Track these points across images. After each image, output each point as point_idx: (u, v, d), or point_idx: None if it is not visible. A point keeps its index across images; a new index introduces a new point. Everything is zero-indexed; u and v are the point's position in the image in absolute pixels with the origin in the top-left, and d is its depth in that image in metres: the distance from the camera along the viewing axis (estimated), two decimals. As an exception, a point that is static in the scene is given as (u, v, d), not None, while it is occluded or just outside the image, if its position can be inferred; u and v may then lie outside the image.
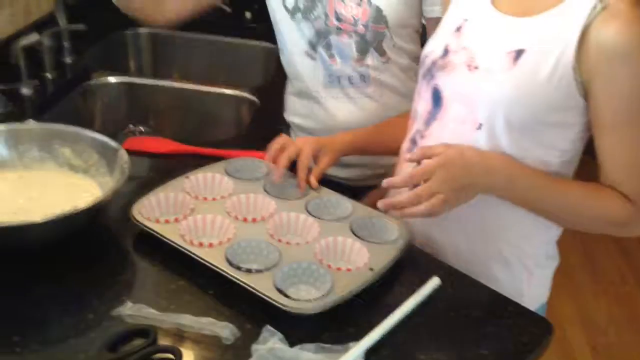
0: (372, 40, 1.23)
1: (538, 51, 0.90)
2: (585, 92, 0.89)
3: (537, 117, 0.91)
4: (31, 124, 1.11)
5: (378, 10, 1.20)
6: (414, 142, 1.05)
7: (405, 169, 1.03)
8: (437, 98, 1.01)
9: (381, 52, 1.24)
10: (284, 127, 1.42)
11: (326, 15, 1.22)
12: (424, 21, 1.28)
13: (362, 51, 1.24)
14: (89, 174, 1.05)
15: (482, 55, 0.95)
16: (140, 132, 1.60)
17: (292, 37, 1.28)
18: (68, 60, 1.56)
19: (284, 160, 1.05)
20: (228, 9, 1.99)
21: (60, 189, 1.03)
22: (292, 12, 1.25)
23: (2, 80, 1.31)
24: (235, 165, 1.11)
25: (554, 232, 1.05)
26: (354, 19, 1.21)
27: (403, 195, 0.91)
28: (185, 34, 1.90)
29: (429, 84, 1.02)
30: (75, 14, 1.58)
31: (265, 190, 1.04)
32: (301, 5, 1.23)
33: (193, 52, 1.93)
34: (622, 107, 0.89)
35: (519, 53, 0.91)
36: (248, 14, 1.97)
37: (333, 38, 1.23)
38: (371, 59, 1.24)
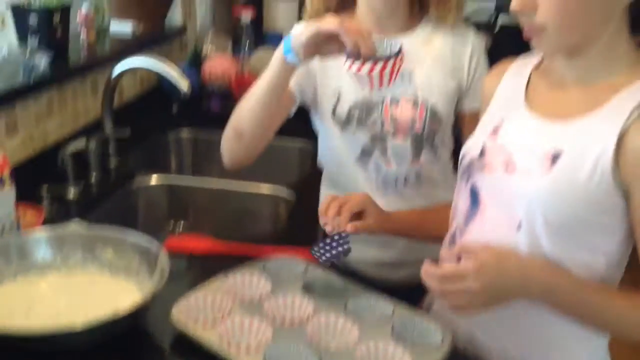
0: (428, 138, 1.26)
1: (576, 154, 0.89)
2: (626, 195, 0.88)
3: (578, 219, 0.89)
4: (75, 228, 1.14)
5: (434, 109, 1.24)
6: (453, 238, 1.05)
7: (444, 264, 1.00)
8: (474, 197, 1.00)
9: (435, 150, 1.28)
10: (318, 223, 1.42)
11: (382, 122, 1.24)
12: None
13: (418, 150, 1.26)
14: (130, 277, 1.06)
15: (519, 157, 0.95)
16: (181, 229, 1.62)
17: (341, 147, 1.28)
18: (113, 163, 1.62)
19: (332, 209, 1.06)
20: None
21: (101, 293, 1.04)
22: (345, 123, 1.25)
23: (49, 183, 1.36)
24: (273, 264, 1.11)
25: (604, 338, 1.00)
26: (411, 121, 1.24)
27: (433, 285, 0.90)
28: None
29: (467, 183, 1.02)
30: (120, 117, 1.66)
31: (304, 290, 1.03)
32: (355, 114, 1.24)
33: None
34: None
35: (556, 156, 0.91)
36: (285, 115, 2.03)
37: (389, 142, 1.25)
38: (424, 156, 1.27)
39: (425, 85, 1.24)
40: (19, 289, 1.04)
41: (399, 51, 1.07)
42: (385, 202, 1.26)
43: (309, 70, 1.26)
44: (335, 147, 1.29)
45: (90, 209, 1.42)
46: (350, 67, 1.06)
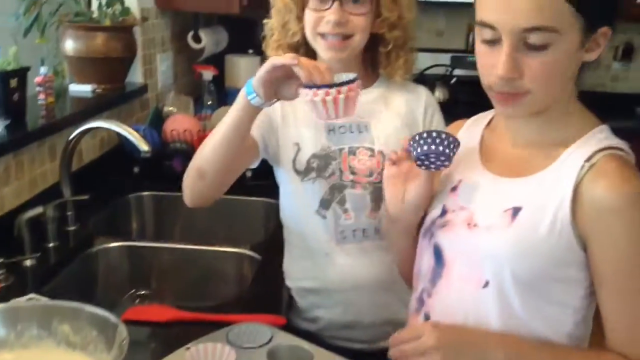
0: None
1: (535, 209, 0.91)
2: (584, 247, 0.90)
3: (543, 273, 0.91)
4: (29, 302, 1.11)
5: None
6: (421, 301, 1.04)
7: (417, 323, 1.03)
8: (438, 256, 1.01)
9: None
10: (284, 285, 1.41)
11: (341, 171, 1.26)
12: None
13: (377, 201, 1.26)
14: (87, 352, 1.02)
15: (480, 214, 0.97)
16: (142, 296, 1.58)
17: (301, 198, 1.29)
18: (71, 228, 1.59)
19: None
20: (228, 169, 2.07)
21: None
22: (304, 174, 1.27)
23: (4, 254, 1.32)
24: (238, 332, 1.09)
25: None
26: (368, 170, 1.26)
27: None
28: (187, 194, 1.96)
29: (430, 242, 1.03)
30: (80, 181, 1.63)
31: (269, 358, 1.01)
32: (314, 165, 1.26)
33: (194, 211, 1.97)
34: (620, 261, 0.89)
35: (516, 210, 0.93)
36: (249, 173, 2.03)
37: (348, 192, 1.26)
38: (384, 210, 1.25)
39: (381, 135, 1.28)
40: None
41: (355, 79, 1.07)
42: (346, 255, 1.28)
43: (271, 121, 1.28)
44: (295, 197, 1.30)
45: (48, 278, 1.38)
46: (305, 96, 1.05)
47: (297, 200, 1.31)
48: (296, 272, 1.37)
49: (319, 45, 1.24)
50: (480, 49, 0.92)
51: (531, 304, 0.93)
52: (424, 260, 1.04)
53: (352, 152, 1.27)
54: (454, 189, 1.02)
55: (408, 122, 1.30)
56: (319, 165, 1.26)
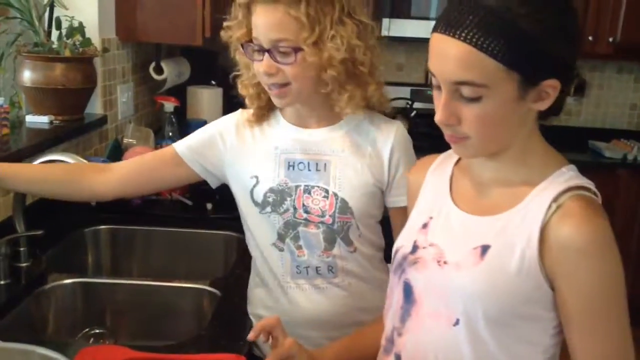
0: (339, 230, 1.26)
1: (503, 246, 0.93)
2: (552, 286, 0.91)
3: (512, 310, 0.92)
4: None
5: (344, 202, 1.25)
6: (391, 341, 1.04)
7: None
8: (408, 293, 1.01)
9: (348, 242, 1.27)
10: (247, 320, 1.39)
11: (295, 208, 1.26)
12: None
13: (330, 241, 1.27)
14: None
15: (450, 251, 0.98)
16: (96, 335, 1.54)
17: (260, 229, 1.31)
18: (24, 265, 1.54)
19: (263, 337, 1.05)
20: (189, 202, 2.04)
21: None
22: (262, 206, 1.28)
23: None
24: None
25: None
26: (321, 210, 1.25)
27: None
28: (145, 228, 1.93)
29: (400, 279, 1.03)
30: (33, 215, 1.59)
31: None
32: (270, 200, 1.27)
33: (153, 245, 1.94)
34: (585, 301, 0.90)
35: (484, 248, 0.94)
36: (209, 205, 2.01)
37: (301, 229, 1.26)
38: (338, 249, 1.27)
39: (338, 177, 1.26)
40: None
41: None
42: (299, 290, 1.29)
43: (212, 147, 1.33)
44: (255, 227, 1.32)
45: (-2, 317, 1.33)
46: None
47: (256, 229, 1.32)
48: (253, 298, 1.39)
49: (269, 94, 1.25)
50: (433, 92, 0.95)
51: (502, 341, 0.93)
52: (394, 298, 1.04)
53: (308, 190, 1.26)
54: (424, 225, 1.03)
55: (372, 162, 1.28)
56: (274, 200, 1.27)
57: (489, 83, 0.87)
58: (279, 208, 1.27)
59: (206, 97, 2.74)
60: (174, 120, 2.52)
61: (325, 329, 1.29)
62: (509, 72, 0.86)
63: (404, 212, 1.15)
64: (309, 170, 1.27)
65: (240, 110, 1.36)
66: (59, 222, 1.78)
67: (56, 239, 1.72)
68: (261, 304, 1.36)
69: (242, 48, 1.23)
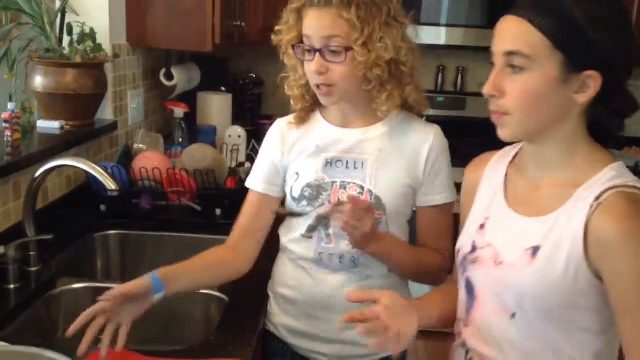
0: None
1: (552, 246, 1.00)
2: (600, 278, 0.97)
3: (565, 304, 0.99)
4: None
5: (378, 199, 1.31)
6: (459, 330, 1.16)
7: (457, 349, 1.16)
8: (470, 290, 1.12)
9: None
10: (256, 325, 1.38)
11: (330, 203, 1.31)
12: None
13: None
14: None
15: (505, 252, 1.06)
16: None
17: (293, 222, 1.39)
18: (34, 269, 1.54)
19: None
20: (198, 208, 2.05)
21: None
22: (298, 200, 1.35)
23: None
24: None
25: None
26: None
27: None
28: (154, 233, 1.93)
29: (463, 276, 1.14)
30: (44, 219, 1.59)
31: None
32: (307, 194, 1.34)
33: (162, 250, 1.94)
34: (627, 293, 0.95)
35: (535, 249, 1.01)
36: (218, 211, 2.01)
37: (333, 222, 1.29)
38: None
39: (374, 175, 1.32)
40: None
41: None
42: (320, 275, 1.37)
43: (274, 167, 1.40)
44: (289, 221, 1.41)
45: (7, 321, 1.33)
46: None
47: (288, 222, 1.41)
48: (276, 276, 1.47)
49: (317, 93, 1.31)
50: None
51: (556, 330, 1.02)
52: (461, 293, 1.16)
53: (344, 186, 1.32)
54: (482, 226, 1.13)
55: (410, 164, 1.33)
56: (310, 195, 1.34)
57: (535, 56, 0.96)
58: (314, 202, 1.33)
59: (216, 103, 2.75)
60: (183, 126, 2.53)
61: (338, 314, 1.29)
62: (554, 50, 0.95)
63: (431, 212, 1.35)
64: (347, 168, 1.33)
65: (277, 120, 1.44)
66: (68, 227, 1.79)
67: (66, 244, 1.73)
68: (284, 284, 1.43)
69: (293, 49, 1.30)
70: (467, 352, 1.14)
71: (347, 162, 1.34)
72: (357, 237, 1.22)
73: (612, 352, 1.06)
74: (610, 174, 1.00)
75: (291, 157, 1.39)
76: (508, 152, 1.17)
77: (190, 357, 1.18)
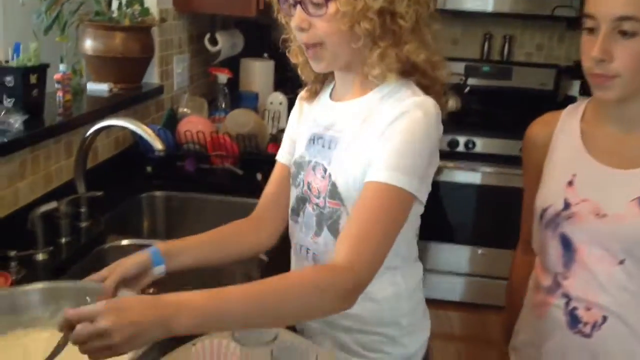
0: (328, 217, 1.14)
1: None
2: None
3: None
4: (66, 282, 1.17)
5: (334, 185, 1.12)
6: (556, 284, 1.20)
7: (554, 300, 1.21)
8: (567, 244, 1.16)
9: (335, 233, 1.13)
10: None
11: (303, 183, 1.19)
12: None
13: (319, 226, 1.16)
14: None
15: (606, 205, 1.11)
16: (151, 295, 1.59)
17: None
18: (84, 225, 1.61)
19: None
20: (240, 172, 2.09)
21: None
22: (291, 177, 1.24)
23: (17, 247, 1.34)
24: (242, 330, 1.10)
25: None
26: (318, 190, 1.15)
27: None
28: (198, 195, 1.98)
29: (555, 233, 1.17)
30: (94, 178, 1.65)
31: (273, 357, 1.02)
32: (292, 172, 1.23)
33: (205, 212, 1.99)
34: None
35: None
36: (259, 176, 2.05)
37: (307, 207, 1.19)
38: (323, 237, 1.15)
39: (338, 157, 1.13)
40: (7, 344, 1.03)
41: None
42: (305, 263, 1.21)
43: (292, 139, 1.28)
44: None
45: (59, 273, 1.40)
46: None
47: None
48: (292, 264, 1.33)
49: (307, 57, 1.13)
50: (583, 37, 1.08)
51: None
52: (551, 250, 1.19)
53: (314, 167, 1.16)
54: (570, 183, 1.15)
55: (374, 144, 1.07)
56: (294, 173, 1.22)
57: None
58: (295, 181, 1.21)
59: (258, 69, 2.77)
60: (226, 91, 2.57)
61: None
62: None
63: (364, 191, 1.03)
64: (322, 146, 1.16)
65: (300, 93, 1.30)
66: (116, 186, 1.85)
67: (114, 203, 1.79)
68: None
69: (279, 4, 1.13)
70: (568, 302, 1.18)
71: (325, 140, 1.16)
72: (110, 340, 0.82)
73: None
74: None
75: (299, 130, 1.26)
76: (574, 110, 1.20)
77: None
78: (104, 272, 1.12)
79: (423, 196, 1.07)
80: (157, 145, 1.47)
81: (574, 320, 1.18)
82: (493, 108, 3.30)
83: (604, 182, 1.13)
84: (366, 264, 0.98)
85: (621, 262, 1.11)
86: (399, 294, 1.18)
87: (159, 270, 1.16)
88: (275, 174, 1.32)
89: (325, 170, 1.14)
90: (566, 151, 1.18)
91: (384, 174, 1.02)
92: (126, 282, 1.11)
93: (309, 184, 1.17)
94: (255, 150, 2.07)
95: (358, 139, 1.10)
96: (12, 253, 1.32)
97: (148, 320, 0.83)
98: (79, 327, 0.82)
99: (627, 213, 1.09)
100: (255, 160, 2.07)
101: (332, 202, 1.13)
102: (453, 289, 3.17)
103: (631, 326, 1.14)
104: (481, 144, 3.00)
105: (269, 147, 2.12)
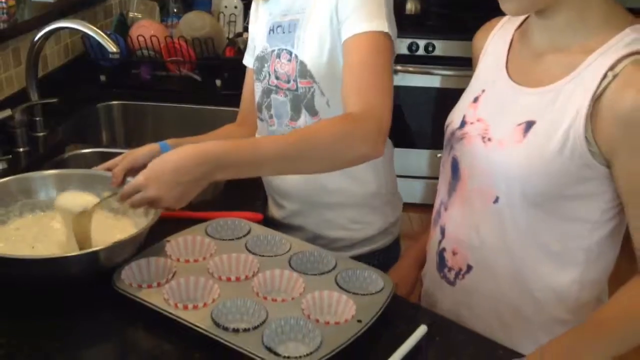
0: (302, 96, 1.17)
1: (548, 122, 0.88)
2: (607, 162, 0.86)
3: (554, 191, 0.89)
4: (74, 170, 1.22)
5: (302, 64, 1.15)
6: (438, 213, 1.07)
7: (434, 234, 1.08)
8: (455, 169, 1.02)
9: (312, 112, 1.17)
10: (261, 184, 1.42)
11: (269, 74, 1.21)
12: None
13: (296, 110, 1.19)
14: (127, 216, 1.11)
15: (495, 127, 0.95)
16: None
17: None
18: (41, 134, 1.56)
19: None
20: (198, 78, 2.04)
21: (101, 230, 1.05)
22: (255, 74, 1.26)
23: (-26, 157, 1.30)
24: (216, 226, 1.11)
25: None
26: (287, 75, 1.18)
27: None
28: (156, 104, 1.93)
29: (449, 155, 1.03)
30: (46, 88, 1.59)
31: (248, 249, 1.04)
32: (255, 67, 1.25)
33: (164, 121, 1.95)
34: None
35: (529, 125, 0.90)
36: (218, 82, 2.00)
37: (273, 97, 1.21)
38: (303, 120, 1.18)
39: (301, 37, 1.15)
40: (25, 224, 1.08)
41: None
42: None
43: (252, 40, 1.29)
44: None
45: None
46: None
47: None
48: None
49: None
50: None
51: (543, 220, 0.92)
52: (444, 172, 1.05)
53: (278, 54, 1.18)
54: (475, 99, 1.01)
55: (336, 12, 1.09)
56: (257, 68, 1.24)
57: None
58: (260, 75, 1.23)
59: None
60: (179, -5, 2.45)
61: (292, 201, 1.29)
62: None
63: (347, 48, 1.05)
64: (283, 32, 1.18)
65: None
66: (70, 96, 1.79)
67: (70, 112, 1.74)
68: None
69: None
70: (441, 240, 1.05)
71: (284, 26, 1.18)
72: (161, 203, 0.93)
73: (610, 250, 0.95)
74: (628, 38, 0.84)
75: (257, 28, 1.26)
76: (516, 18, 1.02)
77: (202, 210, 1.22)
78: (113, 161, 1.14)
79: (395, 36, 1.09)
80: (111, 47, 1.41)
81: (441, 262, 1.06)
82: (454, 11, 3.25)
83: (505, 102, 0.95)
84: (381, 108, 0.99)
85: (496, 201, 0.94)
86: (376, 166, 1.23)
87: None
88: (247, 79, 1.34)
89: (290, 53, 1.16)
90: (490, 63, 1.02)
91: (360, 25, 1.04)
92: (135, 171, 1.10)
93: (275, 73, 1.19)
94: (212, 55, 2.01)
95: (314, 14, 1.12)
96: (-31, 163, 1.28)
97: (189, 180, 0.91)
98: (129, 202, 0.94)
99: (508, 139, 0.91)
100: (213, 66, 2.01)
101: (304, 81, 1.15)
102: (413, 192, 3.25)
103: (498, 282, 0.98)
104: (441, 47, 2.98)
105: (227, 50, 2.06)
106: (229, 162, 0.92)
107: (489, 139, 0.95)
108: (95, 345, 0.87)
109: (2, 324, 0.90)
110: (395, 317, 0.93)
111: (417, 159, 3.25)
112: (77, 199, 1.04)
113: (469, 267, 1.01)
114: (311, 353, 0.81)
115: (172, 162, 0.91)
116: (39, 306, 0.93)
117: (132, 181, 0.94)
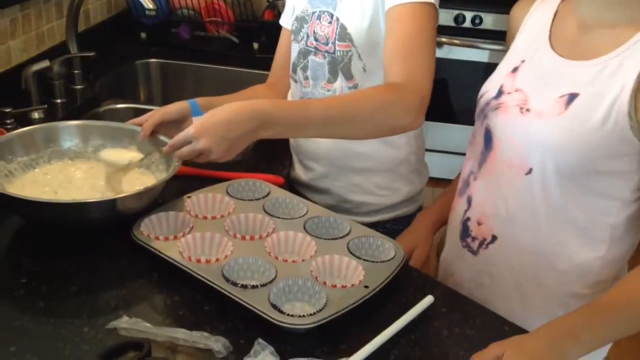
0: (339, 60, 1.18)
1: (591, 95, 0.87)
2: None
3: (590, 165, 0.89)
4: (104, 122, 1.25)
5: (342, 27, 1.16)
6: (466, 183, 1.06)
7: (459, 204, 1.07)
8: (488, 139, 1.01)
9: (348, 76, 1.19)
10: (287, 148, 1.43)
11: (307, 36, 1.22)
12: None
13: (333, 73, 1.20)
14: (150, 170, 1.14)
15: (534, 98, 0.94)
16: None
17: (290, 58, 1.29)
18: (78, 87, 1.60)
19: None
20: (236, 40, 2.05)
21: (128, 182, 1.10)
22: (293, 35, 1.27)
23: (13, 105, 1.35)
24: (237, 186, 1.13)
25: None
26: (325, 37, 1.19)
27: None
28: (194, 64, 1.95)
29: (482, 124, 1.02)
30: (86, 42, 1.63)
31: (265, 210, 1.06)
32: (294, 28, 1.26)
33: (201, 81, 1.97)
34: None
35: (571, 97, 0.89)
36: (255, 45, 2.01)
37: (311, 59, 1.22)
38: (339, 83, 1.20)
39: (344, 0, 1.16)
40: (52, 170, 1.12)
41: None
42: None
43: (291, 2, 1.29)
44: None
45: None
46: None
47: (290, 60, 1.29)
48: None
49: None
50: None
51: (574, 195, 0.92)
52: (475, 143, 1.04)
53: (319, 16, 1.19)
54: (515, 69, 1.00)
55: None
56: (296, 28, 1.25)
57: None
58: (298, 36, 1.24)
59: None
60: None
61: (320, 164, 1.30)
62: None
63: (391, 17, 1.05)
64: None
65: None
66: (110, 51, 1.82)
67: (108, 67, 1.78)
68: None
69: None
70: (467, 209, 1.05)
71: None
72: (210, 155, 0.95)
73: (630, 233, 0.95)
74: None
75: None
76: None
77: (226, 170, 1.24)
78: (144, 116, 1.16)
79: (437, 4, 1.08)
80: (148, 3, 1.43)
81: (465, 231, 1.05)
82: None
83: (546, 73, 0.94)
84: (423, 80, 1.00)
85: (529, 172, 0.93)
86: (408, 134, 1.24)
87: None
88: (282, 40, 1.35)
89: (331, 16, 1.17)
90: (531, 33, 1.00)
91: None
92: (165, 126, 1.14)
93: (314, 34, 1.20)
94: (251, 17, 2.01)
95: None
96: (8, 109, 1.32)
97: (238, 134, 0.92)
98: (177, 153, 0.96)
99: (548, 110, 0.90)
100: (251, 28, 2.02)
101: (343, 44, 1.17)
102: (452, 168, 3.21)
103: (521, 254, 0.98)
104: (489, 20, 2.91)
105: (266, 13, 2.06)
106: (276, 120, 0.93)
107: (527, 110, 0.94)
108: (110, 290, 0.91)
109: (24, 264, 0.94)
110: (404, 286, 0.93)
111: (460, 135, 3.19)
112: (122, 154, 1.11)
113: (494, 238, 1.01)
114: (314, 313, 0.82)
115: (224, 115, 0.92)
116: (61, 250, 0.97)
117: (182, 133, 0.95)
